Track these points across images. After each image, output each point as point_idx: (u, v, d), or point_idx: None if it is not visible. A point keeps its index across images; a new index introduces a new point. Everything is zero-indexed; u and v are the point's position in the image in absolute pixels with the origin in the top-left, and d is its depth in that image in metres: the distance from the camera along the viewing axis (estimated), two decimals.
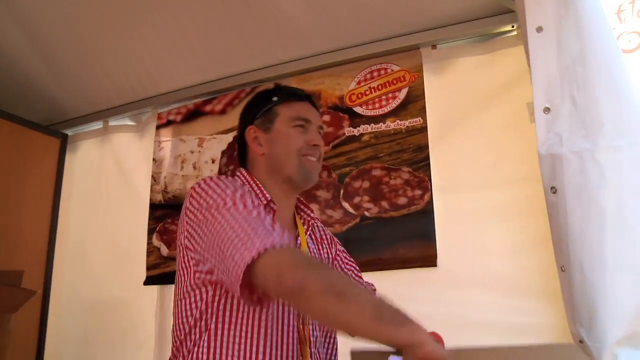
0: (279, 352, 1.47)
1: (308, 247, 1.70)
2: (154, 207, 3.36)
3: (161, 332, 3.16)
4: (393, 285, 2.58)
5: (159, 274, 3.22)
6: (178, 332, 1.50)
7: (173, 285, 3.21)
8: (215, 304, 1.44)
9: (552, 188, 1.90)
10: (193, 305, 1.46)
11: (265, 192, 1.59)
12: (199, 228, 1.42)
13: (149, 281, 3.24)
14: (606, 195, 1.81)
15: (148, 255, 3.29)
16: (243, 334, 1.43)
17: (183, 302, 1.49)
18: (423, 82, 2.75)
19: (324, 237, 1.85)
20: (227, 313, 1.44)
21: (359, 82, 2.90)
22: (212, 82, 3.28)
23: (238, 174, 1.66)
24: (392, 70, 2.83)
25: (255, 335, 1.44)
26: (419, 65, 2.78)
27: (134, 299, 3.29)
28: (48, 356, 3.49)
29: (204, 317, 1.45)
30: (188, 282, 1.47)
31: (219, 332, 1.43)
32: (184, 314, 1.48)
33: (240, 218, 1.32)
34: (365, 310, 1.11)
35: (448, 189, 2.61)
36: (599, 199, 1.81)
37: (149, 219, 3.35)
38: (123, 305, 3.35)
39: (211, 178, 1.48)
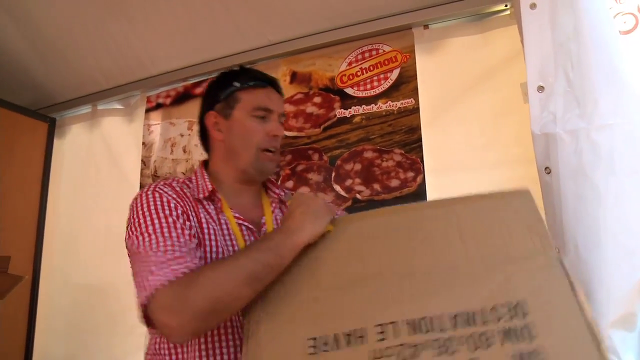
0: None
1: (275, 225, 1.65)
2: None
3: None
4: None
5: None
6: None
7: None
8: None
9: (546, 168, 1.88)
10: None
11: (208, 183, 1.56)
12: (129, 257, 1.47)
13: None
14: (601, 174, 1.79)
15: None
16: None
17: None
18: (415, 63, 2.72)
19: None
20: None
21: (350, 63, 2.86)
22: (202, 64, 3.23)
23: (194, 169, 1.66)
24: (384, 51, 2.79)
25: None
26: (411, 46, 2.74)
27: (124, 284, 3.22)
28: (38, 342, 3.47)
29: None
30: None
31: None
32: None
33: (146, 256, 1.34)
34: (270, 262, 1.29)
35: (441, 170, 2.58)
36: (594, 179, 1.79)
37: None
38: (113, 291, 3.32)
39: (144, 196, 1.50)
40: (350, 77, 2.84)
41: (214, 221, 1.50)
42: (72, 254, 3.52)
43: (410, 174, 2.61)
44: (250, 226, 1.56)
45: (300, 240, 1.32)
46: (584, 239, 1.80)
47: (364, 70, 2.82)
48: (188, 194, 1.52)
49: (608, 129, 1.78)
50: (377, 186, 2.67)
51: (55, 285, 3.52)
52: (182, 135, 3.26)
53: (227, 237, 1.50)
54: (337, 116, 2.83)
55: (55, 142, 3.77)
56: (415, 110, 2.67)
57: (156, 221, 1.38)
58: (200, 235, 1.45)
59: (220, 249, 1.46)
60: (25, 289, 3.39)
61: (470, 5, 2.61)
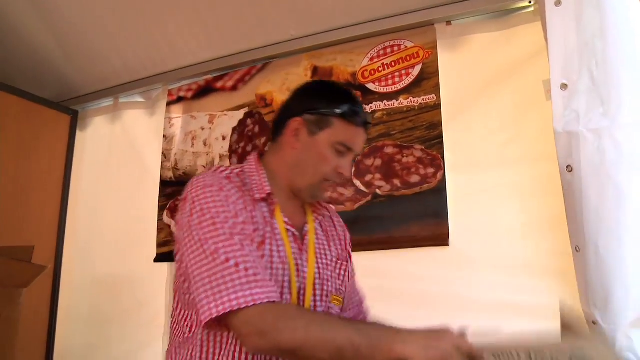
0: None
1: (316, 236, 1.65)
2: (164, 184, 3.36)
3: (171, 309, 3.17)
4: (404, 264, 2.60)
5: (169, 251, 3.21)
6: (173, 310, 1.55)
7: None
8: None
9: (568, 166, 1.87)
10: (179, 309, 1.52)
11: (266, 185, 1.53)
12: (180, 248, 1.42)
13: (159, 258, 3.24)
14: (624, 173, 1.78)
15: (158, 233, 3.29)
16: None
17: (175, 297, 1.54)
18: (437, 59, 2.71)
19: (335, 232, 1.78)
20: None
21: (372, 59, 2.86)
22: (223, 58, 3.25)
23: (248, 159, 1.61)
24: (406, 47, 2.79)
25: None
26: (433, 42, 2.73)
27: (145, 275, 3.30)
28: (60, 331, 3.53)
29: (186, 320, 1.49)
30: (176, 285, 1.51)
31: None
32: (175, 307, 1.54)
33: (218, 260, 1.30)
34: (361, 350, 1.19)
35: (461, 167, 2.58)
36: (617, 178, 1.78)
37: (160, 196, 3.35)
38: (133, 282, 3.36)
39: (208, 183, 1.42)
40: (372, 72, 2.84)
41: (266, 224, 1.48)
42: (93, 244, 3.57)
43: (431, 170, 2.60)
44: (296, 233, 1.56)
45: (399, 350, 1.17)
46: (605, 238, 1.79)
47: (385, 66, 2.81)
48: (244, 191, 1.50)
49: (632, 127, 1.77)
50: (397, 182, 2.67)
51: (77, 276, 3.58)
52: (202, 129, 3.28)
53: (278, 243, 1.48)
54: None
55: (78, 134, 3.82)
56: (437, 106, 2.66)
57: (227, 226, 1.35)
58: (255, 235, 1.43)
59: (270, 255, 1.45)
60: (47, 279, 3.45)
61: (494, 1, 2.60)
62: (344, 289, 1.70)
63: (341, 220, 1.85)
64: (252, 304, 1.24)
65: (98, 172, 3.68)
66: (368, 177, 2.73)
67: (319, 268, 1.59)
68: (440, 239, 2.52)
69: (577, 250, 1.89)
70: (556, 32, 1.91)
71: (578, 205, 1.84)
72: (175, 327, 1.53)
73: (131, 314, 3.32)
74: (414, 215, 2.59)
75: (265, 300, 1.26)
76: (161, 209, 3.32)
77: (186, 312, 1.48)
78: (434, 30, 2.73)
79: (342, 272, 1.71)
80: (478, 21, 2.70)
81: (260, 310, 1.25)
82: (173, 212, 3.26)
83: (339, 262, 1.71)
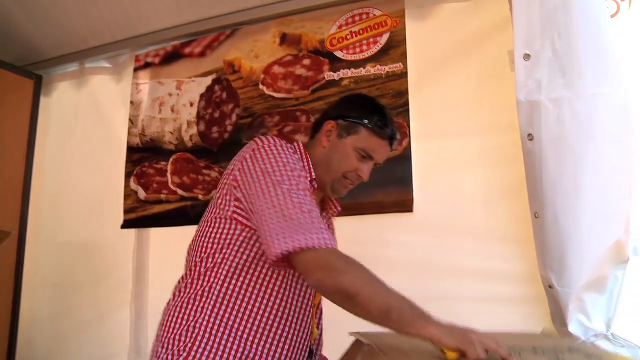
0: (295, 316, 1.58)
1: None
2: (131, 150, 3.34)
3: (138, 275, 3.20)
4: (369, 230, 2.64)
5: (136, 217, 3.22)
6: (199, 251, 1.58)
7: (150, 229, 3.23)
8: (241, 247, 1.54)
9: (529, 135, 1.92)
10: (220, 233, 1.56)
11: (312, 170, 1.67)
12: (249, 185, 1.50)
13: (126, 224, 3.24)
14: (583, 142, 1.83)
15: (125, 199, 3.28)
16: (262, 290, 1.54)
17: (212, 225, 1.58)
18: (405, 28, 2.73)
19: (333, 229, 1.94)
20: (250, 264, 1.54)
21: (340, 26, 2.86)
22: (191, 23, 3.22)
23: (296, 145, 1.72)
24: (374, 15, 2.79)
25: (274, 296, 1.54)
26: (401, 11, 2.74)
27: (111, 242, 3.29)
28: (25, 297, 3.50)
29: (225, 250, 1.54)
30: (224, 212, 1.56)
31: (239, 270, 1.53)
32: (208, 238, 1.57)
33: (292, 202, 1.43)
34: (404, 317, 1.33)
35: (426, 135, 2.62)
36: (576, 146, 1.84)
37: (126, 162, 3.33)
38: (100, 248, 3.36)
39: (278, 144, 1.56)
40: (340, 40, 2.85)
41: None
42: (59, 211, 3.54)
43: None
44: None
45: (432, 330, 1.30)
46: (562, 204, 1.85)
47: (353, 34, 2.82)
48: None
49: (591, 98, 1.82)
50: None
51: (42, 242, 3.55)
52: (170, 95, 3.25)
53: None
54: (326, 79, 2.84)
55: (42, 99, 3.75)
56: (404, 74, 2.68)
57: (296, 177, 1.50)
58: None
59: None
60: (12, 245, 3.41)
61: None
62: None
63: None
64: (323, 245, 1.37)
65: (63, 138, 3.63)
66: None
67: None
68: (405, 205, 2.56)
69: (535, 217, 1.95)
70: (520, 3, 1.95)
71: (537, 172, 1.90)
72: (202, 277, 1.55)
73: (98, 280, 3.32)
74: (379, 182, 2.61)
75: (331, 246, 1.39)
76: (128, 175, 3.31)
77: (225, 226, 1.55)
78: None
79: None
80: None
81: (329, 252, 1.39)
82: (140, 178, 3.25)
83: None
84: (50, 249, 3.51)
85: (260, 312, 1.51)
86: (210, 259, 1.54)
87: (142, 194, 3.22)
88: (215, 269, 1.52)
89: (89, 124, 3.55)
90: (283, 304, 1.55)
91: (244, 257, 1.53)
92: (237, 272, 1.52)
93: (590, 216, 1.84)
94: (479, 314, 2.31)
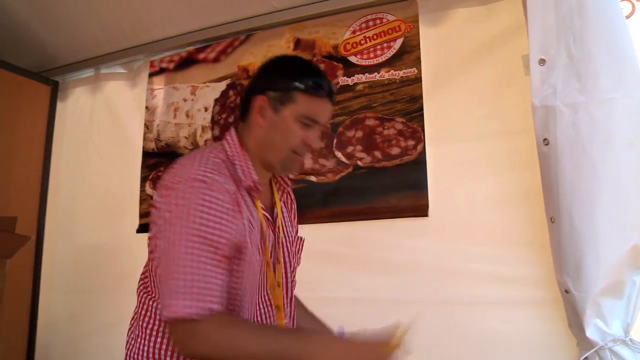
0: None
1: (282, 216, 1.70)
2: (146, 155, 3.36)
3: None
4: (384, 235, 2.64)
5: None
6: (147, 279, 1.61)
7: None
8: None
9: (544, 140, 1.92)
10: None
11: (252, 172, 1.54)
12: (157, 230, 1.44)
13: (142, 229, 3.26)
14: (598, 147, 1.84)
15: (141, 204, 3.31)
16: None
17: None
18: (419, 33, 2.73)
19: (291, 206, 1.83)
20: None
21: (354, 32, 2.87)
22: (206, 29, 3.24)
23: (228, 140, 1.59)
24: (388, 20, 2.80)
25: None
26: (415, 16, 2.75)
27: (127, 246, 3.31)
28: (43, 301, 3.54)
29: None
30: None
31: None
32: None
33: (184, 262, 1.34)
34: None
35: (441, 139, 2.62)
36: (591, 151, 1.84)
37: (142, 167, 3.36)
38: (116, 253, 3.38)
39: (193, 182, 1.40)
40: (354, 45, 2.86)
41: (250, 214, 1.51)
42: (75, 216, 3.58)
43: (411, 142, 2.64)
44: (270, 218, 1.61)
45: None
46: (579, 210, 1.86)
47: (367, 39, 2.83)
48: (234, 179, 1.51)
49: (607, 103, 1.82)
50: (378, 153, 2.70)
51: (59, 246, 3.59)
52: (185, 100, 3.28)
53: (258, 233, 1.54)
54: (340, 84, 2.85)
55: (58, 105, 3.80)
56: (418, 79, 2.69)
57: (201, 233, 1.36)
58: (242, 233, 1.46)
59: (254, 246, 1.50)
60: (29, 249, 3.45)
61: None
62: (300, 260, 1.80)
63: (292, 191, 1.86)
64: (187, 317, 1.31)
65: (80, 144, 3.66)
66: (349, 149, 2.77)
67: (287, 247, 1.69)
68: (420, 209, 2.56)
69: (552, 221, 1.95)
70: (535, 8, 1.95)
71: (553, 177, 1.90)
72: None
73: (114, 284, 3.33)
74: (394, 187, 2.64)
75: (201, 312, 1.31)
76: (143, 180, 3.33)
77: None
78: (416, 4, 2.75)
79: (300, 247, 1.80)
80: None
81: (191, 326, 1.33)
82: (155, 183, 3.27)
83: (297, 237, 1.80)
84: (67, 254, 3.54)
85: None
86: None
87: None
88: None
89: (105, 129, 3.59)
90: None
91: None
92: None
93: (606, 221, 1.84)
94: (495, 318, 2.32)
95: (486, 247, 2.43)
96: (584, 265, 1.86)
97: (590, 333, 1.87)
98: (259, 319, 1.55)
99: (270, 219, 1.61)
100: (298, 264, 1.77)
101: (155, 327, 1.52)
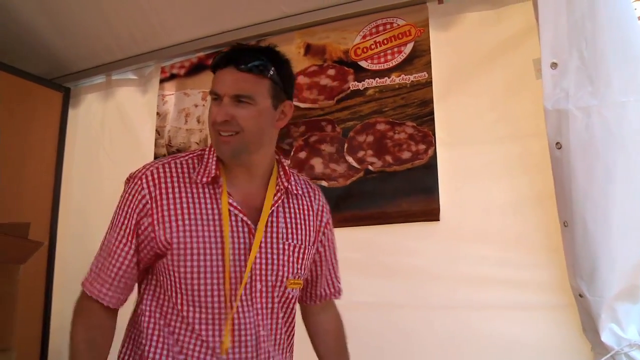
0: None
1: (274, 218, 1.60)
2: None
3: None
4: (396, 239, 2.64)
5: None
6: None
7: None
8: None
9: (557, 144, 1.91)
10: None
11: (213, 167, 1.55)
12: None
13: None
14: (611, 151, 1.83)
15: None
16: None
17: None
18: (429, 37, 2.73)
19: (306, 213, 1.70)
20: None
21: (364, 37, 2.88)
22: (216, 35, 3.25)
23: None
24: (398, 25, 2.80)
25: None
26: (425, 20, 2.75)
27: None
28: (55, 306, 3.56)
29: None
30: None
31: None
32: None
33: (104, 250, 1.66)
34: None
35: (452, 144, 2.61)
36: (604, 155, 1.83)
37: None
38: None
39: (130, 180, 1.65)
40: (364, 50, 2.86)
41: (207, 208, 1.53)
42: (86, 221, 3.58)
43: (422, 147, 2.64)
44: (244, 217, 1.54)
45: None
46: (593, 213, 1.85)
47: (378, 44, 2.83)
48: (187, 177, 1.56)
49: (620, 106, 1.81)
50: (388, 158, 2.70)
51: (71, 251, 3.60)
52: (196, 106, 3.29)
53: (215, 229, 1.51)
54: (351, 88, 2.85)
55: (70, 111, 3.83)
56: (428, 84, 2.69)
57: (119, 220, 1.62)
58: (180, 224, 1.50)
59: (205, 239, 1.50)
60: (42, 255, 3.47)
61: None
62: (302, 272, 1.66)
63: (322, 199, 1.79)
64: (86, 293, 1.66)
65: (91, 150, 3.69)
66: (360, 154, 2.77)
67: (267, 253, 1.57)
68: (431, 214, 2.56)
69: (565, 225, 1.94)
70: (547, 12, 1.95)
71: (566, 181, 1.89)
72: None
73: None
74: (405, 191, 2.63)
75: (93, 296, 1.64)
76: None
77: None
78: (426, 9, 2.75)
79: (302, 257, 1.65)
80: None
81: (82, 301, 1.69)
82: None
83: (302, 246, 1.65)
84: (79, 259, 3.52)
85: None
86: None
87: None
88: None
89: (116, 135, 3.61)
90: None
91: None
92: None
93: (620, 225, 1.83)
94: (508, 323, 2.31)
95: (498, 251, 2.41)
96: (598, 269, 1.85)
97: (606, 338, 1.86)
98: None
99: (245, 219, 1.54)
100: (297, 274, 1.63)
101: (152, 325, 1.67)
